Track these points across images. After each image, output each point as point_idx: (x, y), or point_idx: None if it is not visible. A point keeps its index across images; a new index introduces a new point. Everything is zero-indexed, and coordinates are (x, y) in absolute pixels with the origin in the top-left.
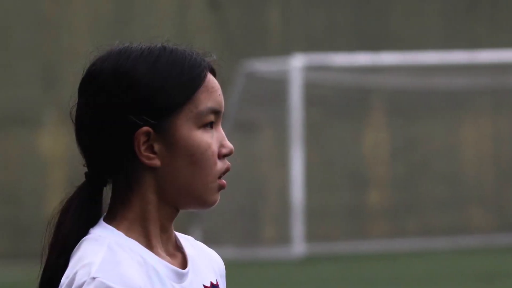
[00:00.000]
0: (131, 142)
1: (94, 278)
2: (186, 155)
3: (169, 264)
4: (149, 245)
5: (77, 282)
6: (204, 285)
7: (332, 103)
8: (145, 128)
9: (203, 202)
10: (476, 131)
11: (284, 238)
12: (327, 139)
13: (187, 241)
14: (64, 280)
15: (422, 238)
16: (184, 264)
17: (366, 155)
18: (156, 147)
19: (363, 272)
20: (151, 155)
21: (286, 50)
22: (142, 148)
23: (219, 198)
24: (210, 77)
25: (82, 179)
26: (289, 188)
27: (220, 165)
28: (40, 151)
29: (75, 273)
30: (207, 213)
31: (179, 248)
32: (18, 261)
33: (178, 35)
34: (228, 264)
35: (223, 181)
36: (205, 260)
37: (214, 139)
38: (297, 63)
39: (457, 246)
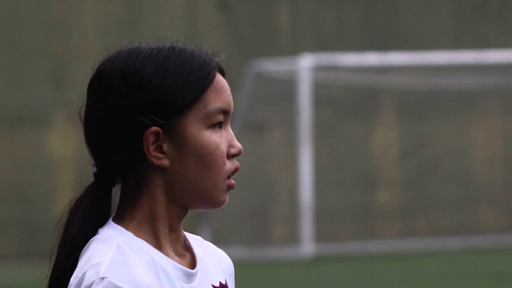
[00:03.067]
0: (140, 142)
1: (103, 278)
2: (195, 155)
3: (178, 264)
4: (158, 245)
5: (86, 282)
6: (213, 285)
7: (341, 103)
8: (154, 128)
9: (212, 202)
10: (485, 131)
11: (293, 238)
12: (337, 139)
13: (196, 241)
14: (73, 280)
15: (432, 238)
16: (193, 264)
17: (375, 155)
18: (165, 147)
19: (372, 272)
20: (160, 155)
21: (295, 50)
22: (151, 148)
23: (228, 198)
24: (219, 77)
25: (91, 179)
26: (299, 188)
27: (229, 165)
28: (49, 151)
29: (84, 273)
30: (216, 213)
31: (188, 248)
32: (27, 261)
33: (187, 35)
34: (237, 264)
35: (232, 181)
36: (214, 260)
37: (223, 139)
38: (307, 63)
39: (467, 246)
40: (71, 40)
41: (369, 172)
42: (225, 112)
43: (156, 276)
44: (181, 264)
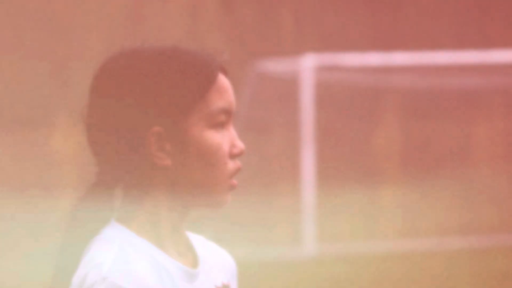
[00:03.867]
0: (142, 142)
1: (105, 278)
2: (197, 155)
3: (180, 264)
4: (160, 245)
5: (88, 282)
6: (215, 286)
7: (344, 103)
8: (157, 128)
9: (214, 202)
10: (488, 131)
11: (295, 238)
12: (339, 139)
13: (198, 241)
14: (75, 280)
15: (434, 238)
16: (195, 264)
17: (378, 155)
18: (167, 147)
19: (375, 272)
20: (162, 155)
21: (298, 50)
22: (154, 148)
23: (230, 198)
24: (221, 77)
25: (93, 179)
26: (301, 188)
27: (231, 165)
28: (51, 151)
29: (86, 273)
30: (218, 213)
31: (190, 248)
32: (29, 261)
33: (190, 35)
34: (239, 264)
35: (234, 181)
36: (216, 260)
37: (225, 139)
38: (309, 63)
39: (470, 246)
40: (74, 41)
41: (371, 172)
42: (227, 112)
43: (159, 276)
44: (184, 264)
